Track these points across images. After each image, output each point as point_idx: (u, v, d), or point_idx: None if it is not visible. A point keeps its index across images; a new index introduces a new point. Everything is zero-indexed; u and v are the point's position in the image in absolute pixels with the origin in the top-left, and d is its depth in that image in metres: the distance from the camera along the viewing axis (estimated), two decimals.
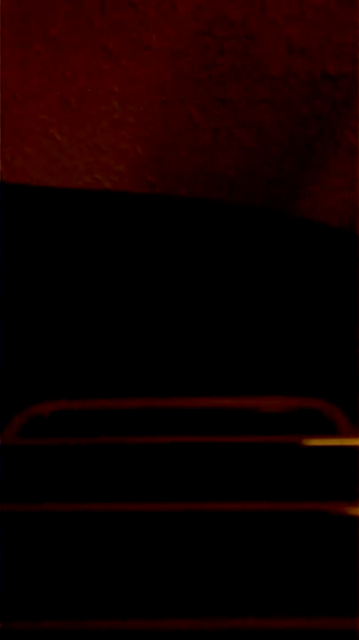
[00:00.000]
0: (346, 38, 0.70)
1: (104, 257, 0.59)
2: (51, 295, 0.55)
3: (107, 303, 0.54)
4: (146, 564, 0.34)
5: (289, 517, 0.34)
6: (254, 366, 0.48)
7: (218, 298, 0.54)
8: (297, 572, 0.33)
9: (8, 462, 0.39)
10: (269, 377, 0.47)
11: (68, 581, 0.33)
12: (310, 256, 0.59)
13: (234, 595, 0.32)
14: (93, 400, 0.43)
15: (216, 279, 0.56)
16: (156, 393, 0.46)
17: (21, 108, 0.78)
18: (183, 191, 0.79)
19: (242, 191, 0.78)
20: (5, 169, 0.81)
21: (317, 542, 0.34)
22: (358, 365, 0.48)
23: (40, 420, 0.42)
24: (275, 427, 0.42)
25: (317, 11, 0.69)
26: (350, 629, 0.29)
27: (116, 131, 0.77)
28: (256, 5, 0.70)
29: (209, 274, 0.57)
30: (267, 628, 0.29)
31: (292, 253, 0.59)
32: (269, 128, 0.75)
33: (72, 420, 0.43)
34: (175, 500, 0.37)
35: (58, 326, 0.52)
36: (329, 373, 0.47)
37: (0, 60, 0.76)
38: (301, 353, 0.49)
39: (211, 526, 0.35)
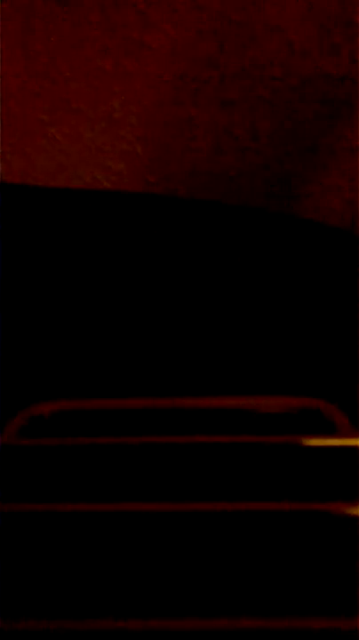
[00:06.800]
0: (346, 38, 0.70)
1: (104, 257, 0.59)
2: (51, 295, 0.55)
3: (107, 303, 0.54)
4: (146, 564, 0.34)
5: (289, 517, 0.34)
6: (254, 366, 0.48)
7: (218, 298, 0.54)
8: (297, 572, 0.33)
9: (8, 462, 0.39)
10: (269, 377, 0.47)
11: (68, 581, 0.33)
12: (310, 256, 0.59)
13: (234, 595, 0.32)
14: (93, 400, 0.43)
15: (216, 279, 0.56)
16: (156, 393, 0.46)
17: (21, 107, 0.78)
18: (183, 191, 0.79)
19: (242, 191, 0.78)
20: (5, 169, 0.81)
21: (317, 542, 0.34)
22: (358, 365, 0.48)
23: (40, 420, 0.42)
24: (275, 427, 0.42)
25: (317, 11, 0.69)
26: (350, 629, 0.29)
27: (116, 131, 0.77)
28: (256, 5, 0.70)
29: (209, 274, 0.57)
30: (267, 628, 0.29)
31: (292, 253, 0.59)
32: (269, 128, 0.75)
33: (72, 420, 0.43)
34: (175, 499, 0.37)
35: (57, 326, 0.52)
36: (329, 373, 0.47)
37: (0, 59, 0.76)
38: (301, 353, 0.49)
39: (211, 526, 0.35)
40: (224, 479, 0.38)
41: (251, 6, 0.70)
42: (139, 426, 0.42)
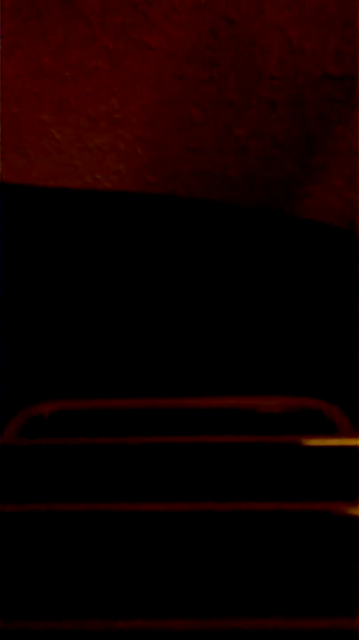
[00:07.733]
0: (346, 38, 0.70)
1: (104, 257, 0.59)
2: (51, 295, 0.55)
3: (107, 303, 0.54)
4: (146, 564, 0.34)
5: (289, 517, 0.34)
6: (254, 366, 0.48)
7: (218, 298, 0.54)
8: (297, 572, 0.33)
9: (8, 462, 0.39)
10: (269, 377, 0.47)
11: (68, 581, 0.33)
12: (310, 256, 0.59)
13: (234, 595, 0.32)
14: (93, 400, 0.43)
15: (216, 279, 0.56)
16: (156, 393, 0.46)
17: (21, 107, 0.78)
18: (183, 191, 0.79)
19: (242, 191, 0.78)
20: (5, 169, 0.81)
21: (317, 542, 0.34)
22: (358, 365, 0.48)
23: (40, 420, 0.42)
24: (275, 427, 0.42)
25: (317, 11, 0.70)
26: (350, 629, 0.29)
27: (116, 131, 0.77)
28: (256, 5, 0.70)
29: (209, 274, 0.57)
30: (267, 628, 0.29)
31: (292, 253, 0.59)
32: (269, 128, 0.75)
33: (72, 420, 0.43)
34: (175, 499, 0.37)
35: (57, 326, 0.52)
36: (329, 373, 0.47)
37: (0, 60, 0.76)
38: (301, 353, 0.49)
39: (212, 526, 0.35)
40: (224, 479, 0.38)
41: (251, 6, 0.70)
42: (139, 426, 0.42)
